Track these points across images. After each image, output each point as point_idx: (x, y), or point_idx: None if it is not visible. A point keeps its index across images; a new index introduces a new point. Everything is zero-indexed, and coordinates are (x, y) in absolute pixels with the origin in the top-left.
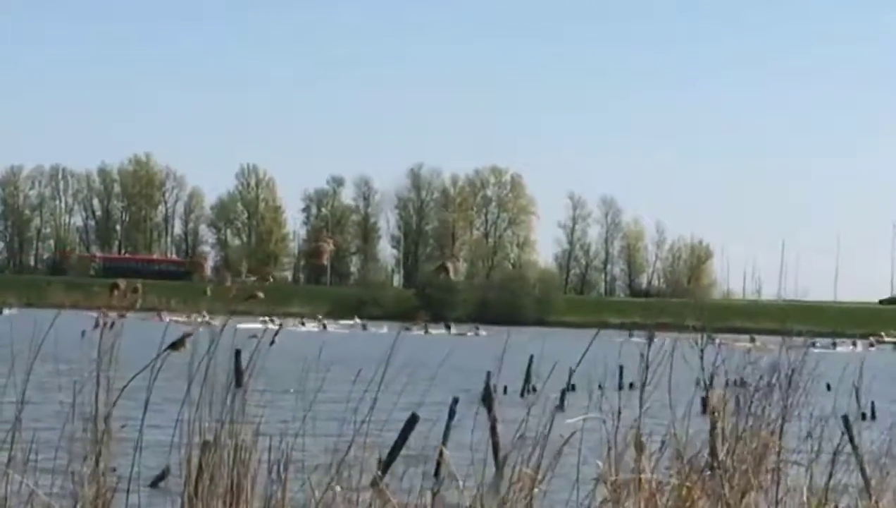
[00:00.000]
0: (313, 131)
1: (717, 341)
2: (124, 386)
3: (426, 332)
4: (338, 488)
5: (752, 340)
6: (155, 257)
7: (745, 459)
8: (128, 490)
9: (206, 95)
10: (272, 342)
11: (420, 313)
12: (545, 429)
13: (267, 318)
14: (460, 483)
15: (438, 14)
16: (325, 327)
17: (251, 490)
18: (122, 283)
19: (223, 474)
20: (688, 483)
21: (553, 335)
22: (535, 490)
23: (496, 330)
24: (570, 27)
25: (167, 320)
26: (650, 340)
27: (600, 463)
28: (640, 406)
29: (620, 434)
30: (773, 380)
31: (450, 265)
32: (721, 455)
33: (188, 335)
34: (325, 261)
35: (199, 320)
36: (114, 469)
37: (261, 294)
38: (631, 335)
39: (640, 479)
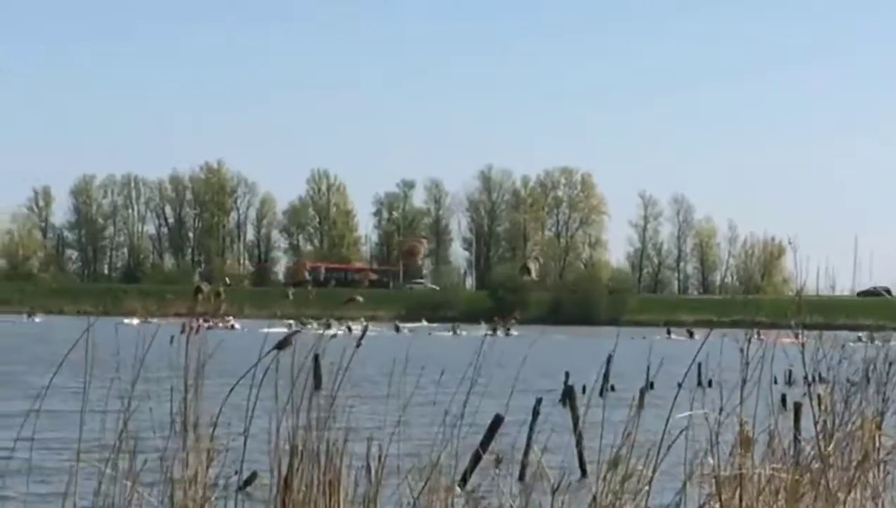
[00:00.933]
0: (384, 135)
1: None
2: (230, 391)
3: (454, 333)
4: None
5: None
6: (358, 265)
7: (851, 453)
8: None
9: (277, 100)
10: (358, 345)
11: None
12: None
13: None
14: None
15: (502, 15)
16: (349, 329)
17: (343, 493)
18: (205, 287)
19: (314, 477)
20: (797, 477)
21: (597, 335)
22: (647, 487)
23: (530, 330)
24: (636, 24)
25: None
26: (753, 337)
27: (711, 459)
28: (741, 402)
29: (724, 430)
30: (870, 374)
31: (531, 265)
32: (826, 450)
33: (294, 334)
34: (420, 261)
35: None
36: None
37: (360, 298)
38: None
39: (747, 474)
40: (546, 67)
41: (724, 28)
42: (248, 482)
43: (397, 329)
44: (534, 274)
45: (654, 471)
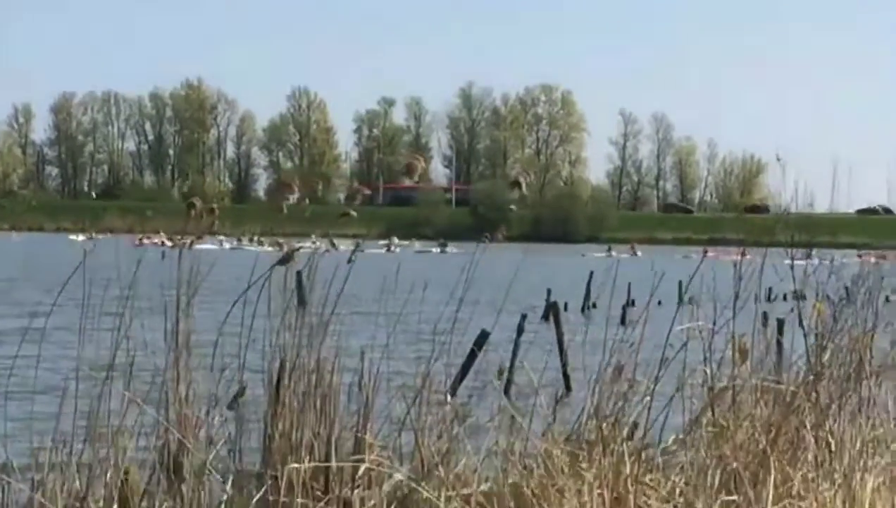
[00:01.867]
0: (364, 53)
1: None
2: (229, 311)
3: (388, 250)
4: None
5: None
6: (419, 184)
7: (843, 367)
8: (207, 413)
9: (256, 18)
10: (350, 261)
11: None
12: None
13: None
14: (541, 399)
15: None
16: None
17: (334, 407)
18: (198, 203)
19: (305, 392)
20: (792, 388)
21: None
22: (648, 398)
23: (467, 247)
24: None
25: (145, 243)
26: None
27: (707, 370)
28: (734, 317)
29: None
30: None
31: (521, 180)
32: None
33: (296, 250)
34: (415, 179)
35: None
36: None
37: (353, 213)
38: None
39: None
40: None
41: None
42: (238, 396)
43: (389, 248)
44: (524, 189)
45: (656, 381)
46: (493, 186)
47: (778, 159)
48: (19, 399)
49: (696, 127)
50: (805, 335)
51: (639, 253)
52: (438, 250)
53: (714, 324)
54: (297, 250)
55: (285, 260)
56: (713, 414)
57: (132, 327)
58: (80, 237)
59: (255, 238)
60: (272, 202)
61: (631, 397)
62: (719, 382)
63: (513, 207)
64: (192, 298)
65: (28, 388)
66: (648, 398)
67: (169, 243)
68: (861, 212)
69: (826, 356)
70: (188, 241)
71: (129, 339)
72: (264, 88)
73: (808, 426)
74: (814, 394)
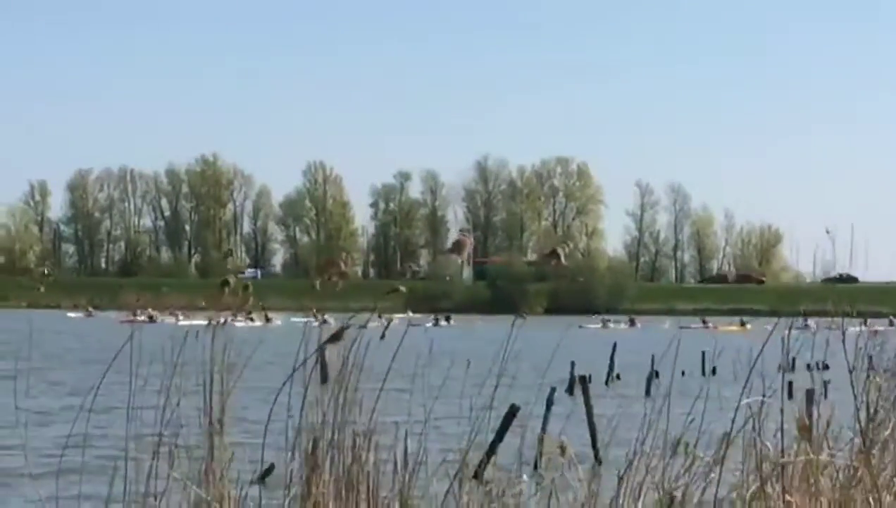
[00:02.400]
0: (379, 127)
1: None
2: (278, 392)
3: (444, 323)
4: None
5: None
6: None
7: None
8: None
9: (271, 93)
10: (382, 337)
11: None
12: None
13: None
14: (579, 471)
15: (497, 6)
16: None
17: (368, 487)
18: (232, 280)
19: (338, 471)
20: (854, 464)
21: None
22: (713, 474)
23: (466, 319)
24: (632, 11)
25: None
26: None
27: (769, 444)
28: (783, 390)
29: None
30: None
31: (560, 250)
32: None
33: (346, 328)
34: (465, 256)
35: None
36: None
37: (402, 288)
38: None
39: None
40: (542, 57)
41: (720, 12)
42: (266, 474)
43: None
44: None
45: (723, 457)
46: (512, 260)
47: (827, 232)
48: (68, 480)
49: (712, 196)
50: (857, 407)
51: (638, 325)
52: (431, 324)
53: (764, 396)
54: (347, 327)
55: (335, 338)
56: (784, 491)
57: (174, 404)
58: (78, 314)
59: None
60: (321, 278)
61: (693, 472)
62: (779, 457)
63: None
64: (225, 374)
65: (76, 467)
66: (714, 474)
67: (166, 319)
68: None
69: (889, 430)
70: (224, 319)
71: (172, 416)
72: (280, 163)
73: (871, 501)
74: (869, 467)
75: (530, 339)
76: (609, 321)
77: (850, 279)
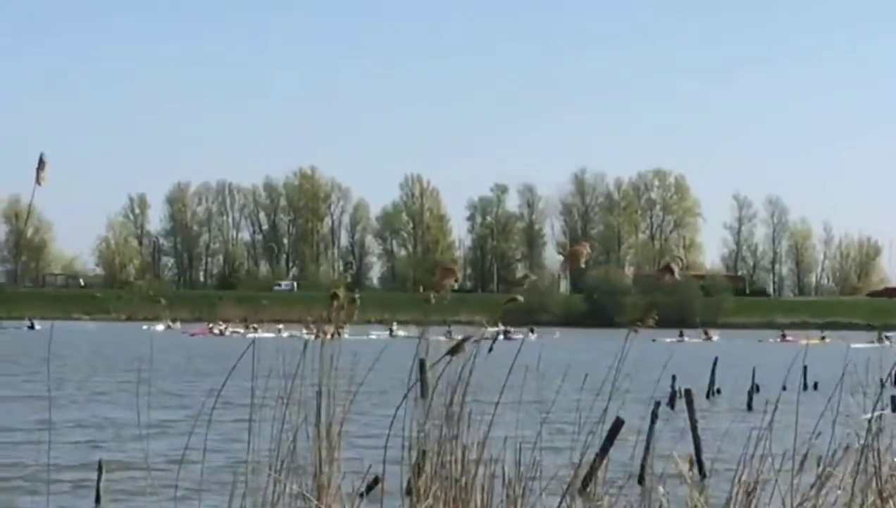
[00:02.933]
0: (476, 140)
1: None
2: (396, 409)
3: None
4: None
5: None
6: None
7: None
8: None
9: (369, 106)
10: (490, 349)
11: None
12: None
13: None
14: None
15: (593, 16)
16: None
17: (480, 500)
18: (340, 293)
19: (444, 484)
20: None
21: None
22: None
23: (546, 332)
24: (728, 23)
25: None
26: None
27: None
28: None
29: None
30: None
31: (674, 266)
32: None
33: (466, 339)
34: (583, 264)
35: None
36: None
37: (520, 298)
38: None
39: None
40: (637, 68)
41: (813, 16)
42: (371, 486)
43: (506, 335)
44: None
45: (857, 473)
46: (609, 273)
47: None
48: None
49: (810, 209)
50: None
51: (714, 338)
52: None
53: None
54: (467, 340)
55: (455, 350)
56: None
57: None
58: (159, 327)
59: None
60: (437, 285)
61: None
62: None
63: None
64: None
65: (195, 483)
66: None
67: (235, 331)
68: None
69: None
70: (331, 332)
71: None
72: (377, 176)
73: None
74: None
75: (608, 353)
76: (685, 334)
77: None
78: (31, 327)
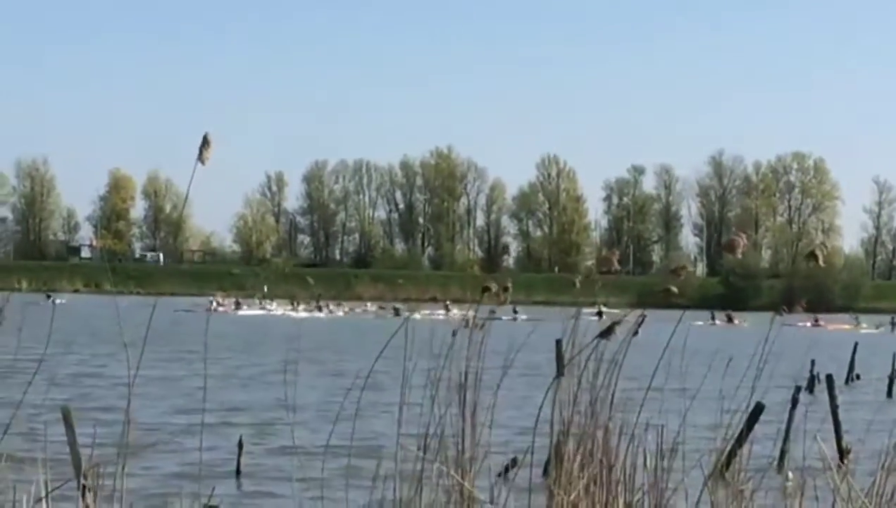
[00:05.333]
0: (612, 121)
1: None
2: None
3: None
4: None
5: None
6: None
7: None
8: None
9: (505, 86)
10: (636, 334)
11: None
12: None
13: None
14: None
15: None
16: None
17: (622, 480)
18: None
19: (587, 466)
20: None
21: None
22: None
23: (538, 311)
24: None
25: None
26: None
27: None
28: None
29: None
30: None
31: (818, 252)
32: None
33: (617, 323)
34: (740, 254)
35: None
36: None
37: (675, 289)
38: None
39: None
40: (775, 49)
41: None
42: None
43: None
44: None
45: None
46: (746, 256)
47: None
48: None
49: None
50: None
51: (822, 324)
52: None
53: None
54: (619, 323)
55: (606, 333)
56: None
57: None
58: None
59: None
60: (599, 273)
61: None
62: None
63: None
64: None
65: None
66: None
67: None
68: None
69: None
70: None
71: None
72: (513, 156)
73: None
74: None
75: (730, 338)
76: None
77: None
78: (50, 299)
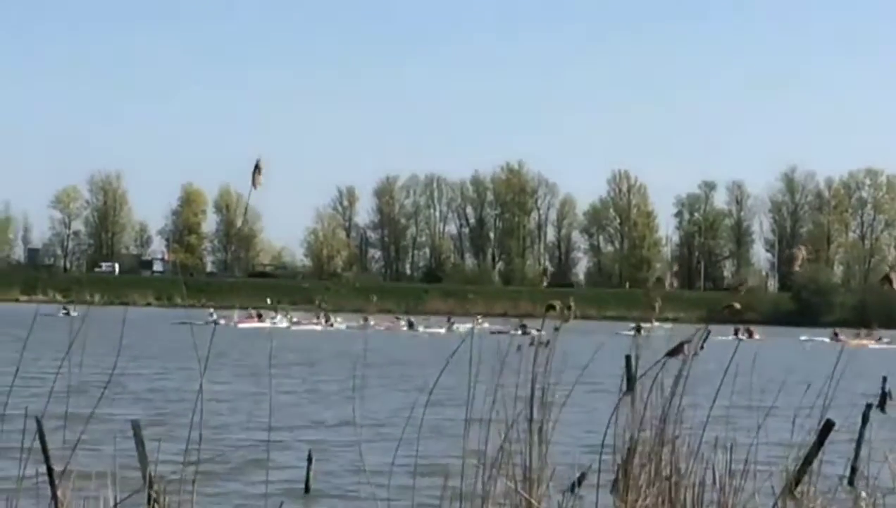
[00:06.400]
0: (683, 137)
1: None
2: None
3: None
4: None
5: None
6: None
7: None
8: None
9: (574, 101)
10: (701, 347)
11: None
12: None
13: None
14: None
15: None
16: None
17: (690, 498)
18: (557, 304)
19: (655, 482)
20: None
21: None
22: None
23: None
24: None
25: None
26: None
27: None
28: None
29: None
30: None
31: (893, 277)
32: None
33: (686, 342)
34: (798, 268)
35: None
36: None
37: (737, 305)
38: None
39: None
40: (849, 66)
41: None
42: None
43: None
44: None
45: None
46: (818, 272)
47: None
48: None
49: None
50: None
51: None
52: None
53: None
54: (688, 342)
55: (675, 352)
56: None
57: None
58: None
59: None
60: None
61: None
62: None
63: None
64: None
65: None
66: None
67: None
68: None
69: None
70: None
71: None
72: (584, 172)
73: None
74: None
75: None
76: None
77: None
78: (67, 313)
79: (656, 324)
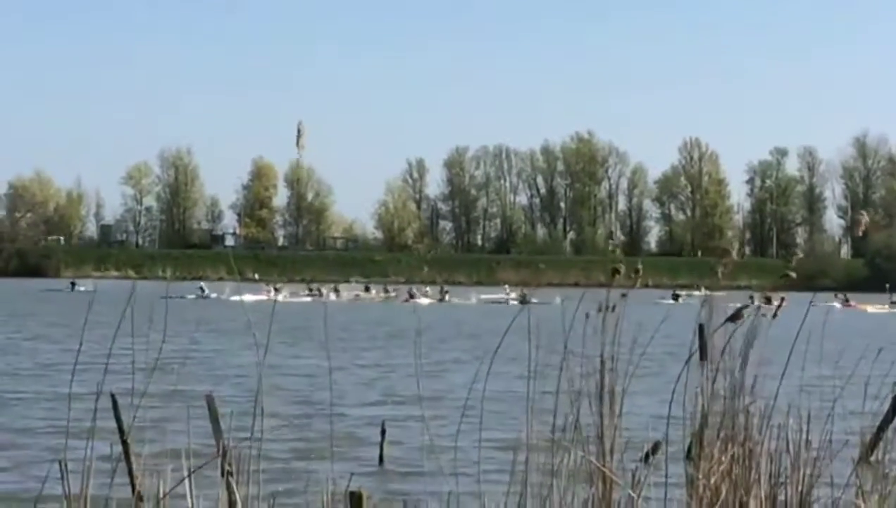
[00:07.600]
0: (755, 103)
1: None
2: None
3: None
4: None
5: None
6: None
7: None
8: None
9: (644, 69)
10: (774, 316)
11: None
12: None
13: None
14: None
15: None
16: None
17: (766, 467)
18: (621, 268)
19: (729, 451)
20: None
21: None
22: None
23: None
24: None
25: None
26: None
27: None
28: None
29: None
30: None
31: None
32: None
33: (745, 307)
34: (860, 233)
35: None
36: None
37: (793, 274)
38: None
39: None
40: None
41: None
42: (653, 451)
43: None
44: None
45: None
46: (891, 237)
47: None
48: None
49: None
50: None
51: (853, 303)
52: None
53: None
54: (746, 307)
55: (735, 317)
56: None
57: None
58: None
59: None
60: (716, 261)
61: None
62: None
63: None
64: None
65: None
66: None
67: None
68: None
69: None
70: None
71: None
72: (655, 140)
73: None
74: None
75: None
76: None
77: None
78: (73, 287)
79: (719, 292)
